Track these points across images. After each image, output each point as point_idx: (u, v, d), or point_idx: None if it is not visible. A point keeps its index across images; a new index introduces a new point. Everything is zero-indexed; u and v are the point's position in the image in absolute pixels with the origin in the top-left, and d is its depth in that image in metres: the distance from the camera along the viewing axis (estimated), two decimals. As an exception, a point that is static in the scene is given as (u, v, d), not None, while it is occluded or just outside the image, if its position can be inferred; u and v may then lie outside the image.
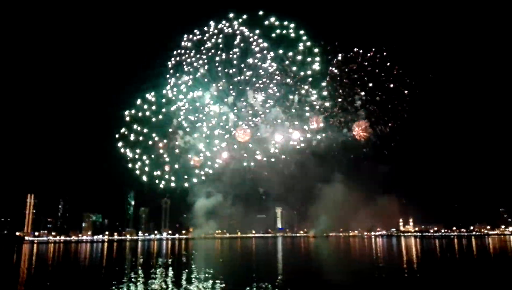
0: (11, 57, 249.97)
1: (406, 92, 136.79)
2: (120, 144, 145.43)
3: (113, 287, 40.47)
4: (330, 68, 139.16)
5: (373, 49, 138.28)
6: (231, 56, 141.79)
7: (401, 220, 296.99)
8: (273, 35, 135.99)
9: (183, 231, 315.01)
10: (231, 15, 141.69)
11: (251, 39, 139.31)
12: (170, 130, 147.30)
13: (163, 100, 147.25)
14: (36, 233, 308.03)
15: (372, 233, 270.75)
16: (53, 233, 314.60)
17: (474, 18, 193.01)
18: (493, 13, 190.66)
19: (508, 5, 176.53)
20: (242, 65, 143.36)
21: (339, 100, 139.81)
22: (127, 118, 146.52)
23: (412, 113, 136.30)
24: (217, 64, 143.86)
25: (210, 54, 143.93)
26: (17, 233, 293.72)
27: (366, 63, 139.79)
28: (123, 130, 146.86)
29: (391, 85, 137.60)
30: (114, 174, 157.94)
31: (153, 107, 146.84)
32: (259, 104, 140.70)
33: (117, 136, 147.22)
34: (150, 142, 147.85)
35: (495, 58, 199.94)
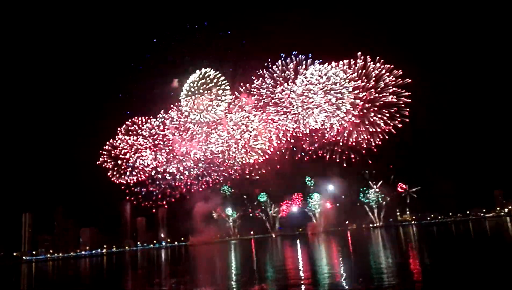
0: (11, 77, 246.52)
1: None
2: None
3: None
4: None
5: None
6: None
7: (398, 210, 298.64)
8: None
9: (182, 238, 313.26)
10: None
11: None
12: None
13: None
14: (34, 252, 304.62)
15: (370, 225, 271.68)
16: (51, 251, 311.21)
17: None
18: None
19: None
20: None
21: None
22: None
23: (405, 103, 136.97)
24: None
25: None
26: (14, 254, 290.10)
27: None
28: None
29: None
30: (108, 186, 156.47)
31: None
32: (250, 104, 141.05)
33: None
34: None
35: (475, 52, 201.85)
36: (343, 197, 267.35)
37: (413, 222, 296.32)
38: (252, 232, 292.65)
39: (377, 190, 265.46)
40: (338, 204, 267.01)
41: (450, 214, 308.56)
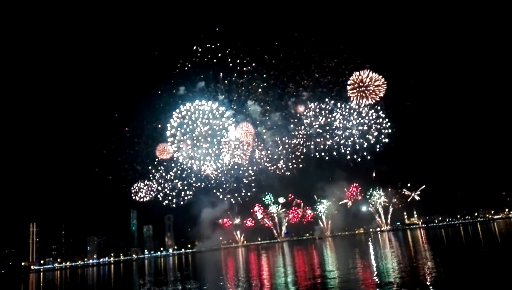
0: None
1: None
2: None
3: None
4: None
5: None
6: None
7: (405, 213, 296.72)
8: None
9: (189, 245, 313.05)
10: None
11: None
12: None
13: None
14: (42, 261, 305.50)
15: (378, 229, 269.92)
16: (59, 260, 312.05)
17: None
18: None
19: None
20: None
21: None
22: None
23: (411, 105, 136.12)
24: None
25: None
26: (22, 263, 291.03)
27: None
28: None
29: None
30: (115, 195, 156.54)
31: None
32: (257, 111, 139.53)
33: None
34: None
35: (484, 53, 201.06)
36: (349, 201, 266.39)
37: (421, 225, 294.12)
38: (259, 239, 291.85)
39: (384, 194, 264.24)
40: (346, 208, 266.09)
41: (458, 216, 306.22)
